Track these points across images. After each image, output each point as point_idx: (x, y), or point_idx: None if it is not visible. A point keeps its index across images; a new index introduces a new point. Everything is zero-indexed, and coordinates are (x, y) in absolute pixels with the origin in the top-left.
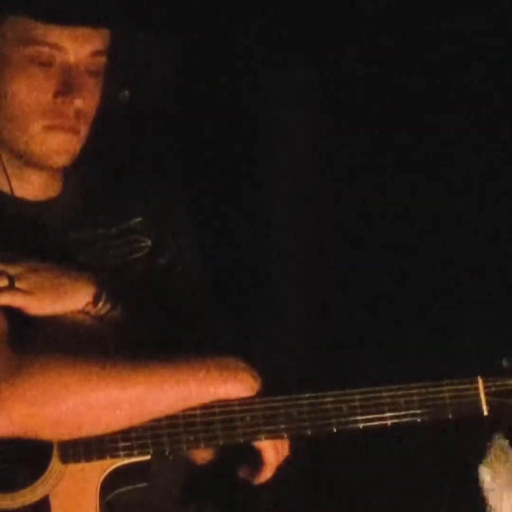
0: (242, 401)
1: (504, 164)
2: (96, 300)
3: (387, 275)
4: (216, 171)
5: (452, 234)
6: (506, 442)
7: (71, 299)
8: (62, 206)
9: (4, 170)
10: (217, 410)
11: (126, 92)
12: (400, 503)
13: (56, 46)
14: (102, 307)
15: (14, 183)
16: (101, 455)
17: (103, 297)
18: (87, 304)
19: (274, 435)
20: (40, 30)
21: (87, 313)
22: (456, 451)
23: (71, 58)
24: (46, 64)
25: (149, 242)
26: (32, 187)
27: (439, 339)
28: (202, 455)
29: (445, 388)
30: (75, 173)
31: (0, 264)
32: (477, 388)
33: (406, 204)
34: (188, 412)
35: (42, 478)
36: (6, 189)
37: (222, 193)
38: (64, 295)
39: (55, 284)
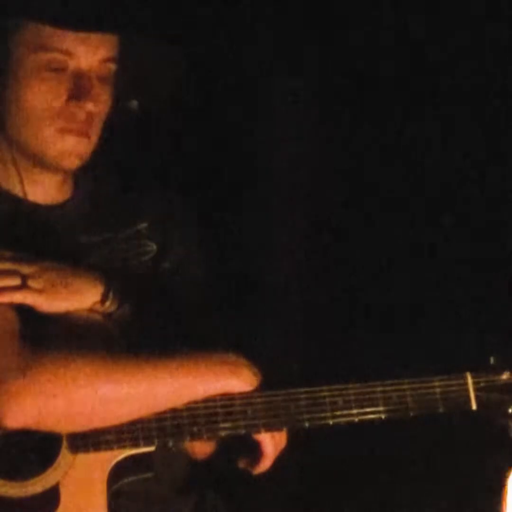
0: (243, 395)
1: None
2: (103, 299)
3: (382, 274)
4: (220, 178)
5: (445, 233)
6: None
7: (80, 298)
8: (72, 210)
9: (18, 173)
10: (219, 403)
11: (135, 101)
12: (397, 498)
13: (68, 53)
14: (110, 306)
15: (27, 186)
16: (108, 446)
17: (110, 296)
18: (95, 303)
19: (273, 427)
20: (53, 37)
21: (95, 311)
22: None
23: (83, 64)
24: (59, 70)
25: (154, 247)
26: (44, 190)
27: (430, 337)
28: (203, 449)
29: (436, 383)
30: (85, 179)
31: (13, 264)
32: (466, 384)
33: (403, 204)
34: (192, 405)
35: (52, 467)
36: (19, 192)
37: (225, 200)
38: (73, 294)
39: (66, 283)
